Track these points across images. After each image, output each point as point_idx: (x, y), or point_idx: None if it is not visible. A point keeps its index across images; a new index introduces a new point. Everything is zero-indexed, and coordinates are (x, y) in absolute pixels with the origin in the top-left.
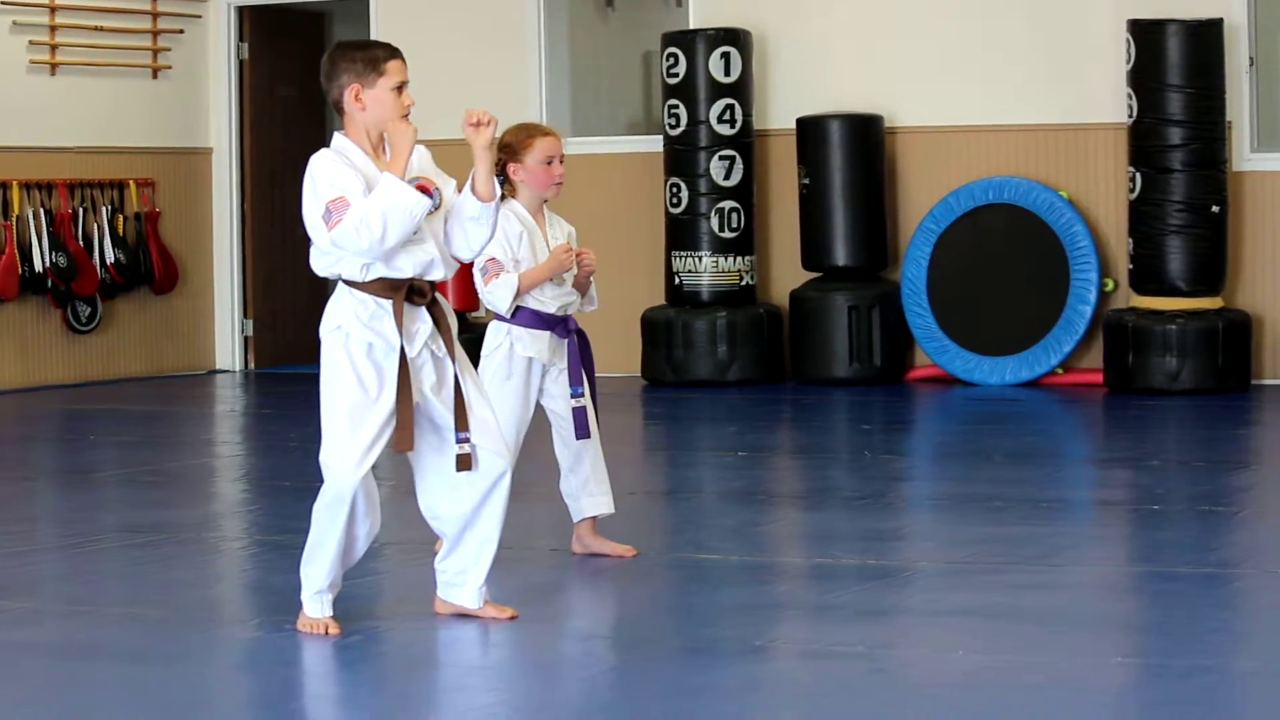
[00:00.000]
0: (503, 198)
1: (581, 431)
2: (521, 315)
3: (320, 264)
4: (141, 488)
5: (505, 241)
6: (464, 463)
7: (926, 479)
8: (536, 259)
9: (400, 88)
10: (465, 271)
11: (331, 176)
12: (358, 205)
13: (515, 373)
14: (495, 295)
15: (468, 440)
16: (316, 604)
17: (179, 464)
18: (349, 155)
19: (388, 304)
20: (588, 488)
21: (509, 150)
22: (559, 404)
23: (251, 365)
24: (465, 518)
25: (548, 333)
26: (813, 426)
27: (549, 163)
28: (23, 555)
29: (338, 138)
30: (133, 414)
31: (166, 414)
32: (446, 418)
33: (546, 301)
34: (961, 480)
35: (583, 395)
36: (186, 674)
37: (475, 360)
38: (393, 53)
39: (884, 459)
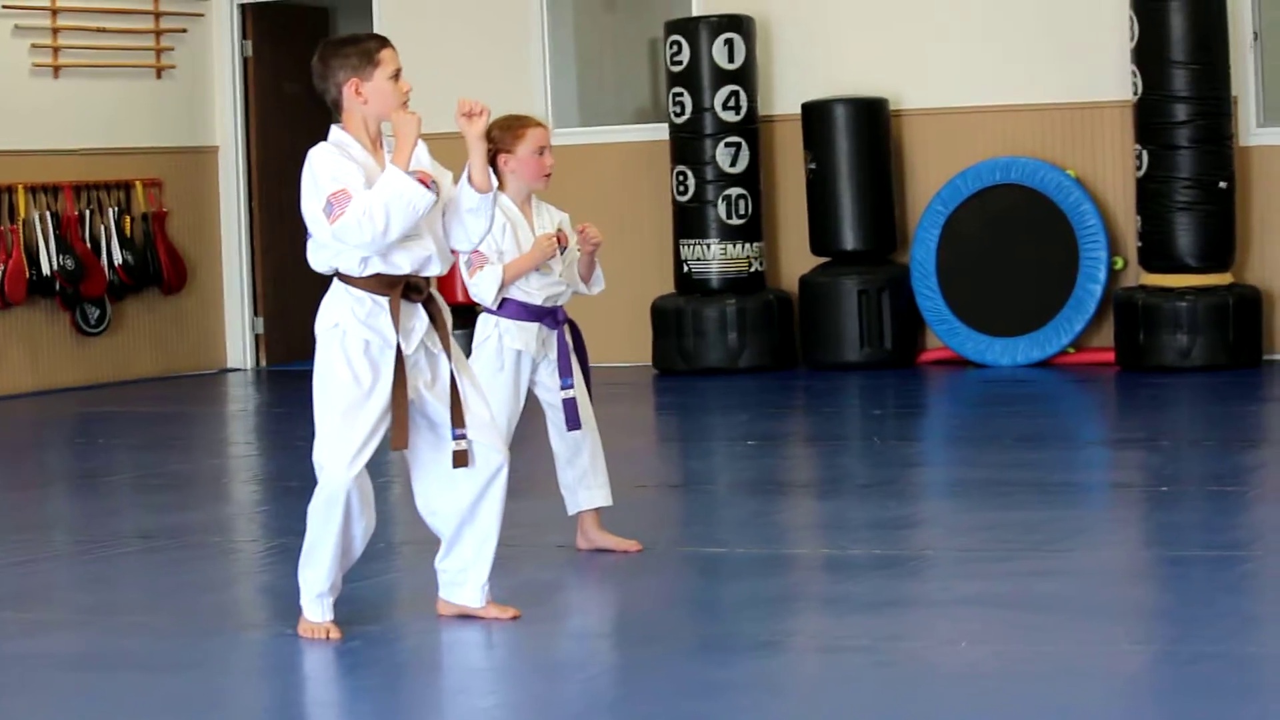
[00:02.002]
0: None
1: (572, 423)
2: (509, 307)
3: (318, 258)
4: (154, 491)
5: (490, 234)
6: (460, 459)
7: (937, 464)
8: (521, 250)
9: (396, 75)
10: None
11: (332, 169)
12: (360, 198)
13: (505, 365)
14: (480, 287)
15: (464, 436)
16: (317, 608)
17: (191, 466)
18: (348, 149)
19: (384, 301)
20: (585, 480)
21: (498, 142)
22: (551, 395)
23: (263, 363)
24: (463, 514)
25: (536, 324)
26: (824, 413)
27: (539, 153)
28: (35, 563)
29: (335, 131)
30: (144, 416)
31: (178, 415)
32: (442, 414)
33: (533, 293)
34: (972, 464)
35: (572, 387)
36: (197, 682)
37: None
38: (383, 42)
39: (894, 444)
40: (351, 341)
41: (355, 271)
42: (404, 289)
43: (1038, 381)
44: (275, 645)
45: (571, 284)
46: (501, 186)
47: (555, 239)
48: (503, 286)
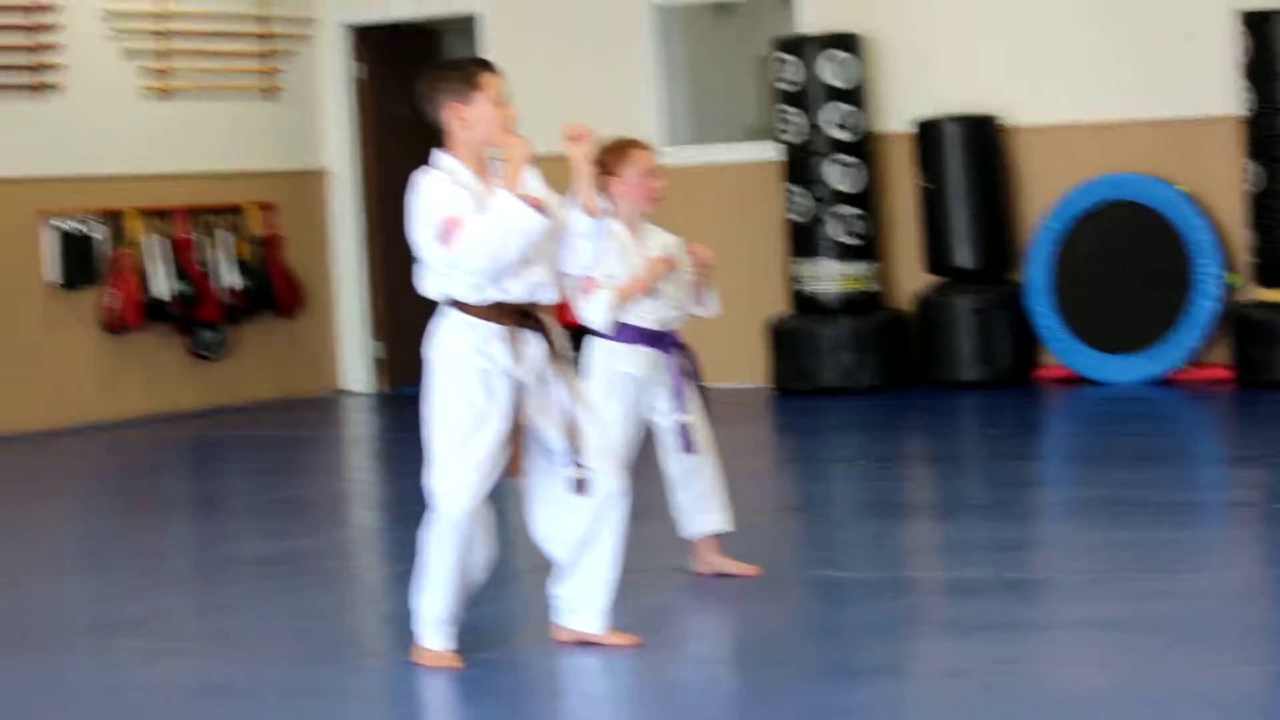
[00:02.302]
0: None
1: (685, 448)
2: (623, 331)
3: (430, 285)
4: (271, 516)
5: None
6: (578, 486)
7: (1054, 484)
8: (630, 273)
9: (499, 100)
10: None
11: (443, 196)
12: (472, 224)
13: (619, 390)
14: (592, 311)
15: (581, 464)
16: (435, 636)
17: (309, 491)
18: (455, 174)
19: (498, 328)
20: (701, 504)
21: (606, 166)
22: (666, 419)
23: (382, 387)
24: (581, 540)
25: (650, 349)
26: (940, 432)
27: (647, 176)
28: (153, 590)
29: (443, 157)
30: (261, 440)
31: (295, 439)
32: (557, 441)
33: (645, 316)
34: (1088, 484)
35: (686, 411)
36: (314, 711)
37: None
38: (485, 66)
39: (1011, 463)
40: (465, 369)
41: (469, 298)
42: (518, 316)
43: (1153, 399)
44: (394, 674)
45: (683, 307)
46: (611, 210)
47: (665, 261)
48: (615, 309)
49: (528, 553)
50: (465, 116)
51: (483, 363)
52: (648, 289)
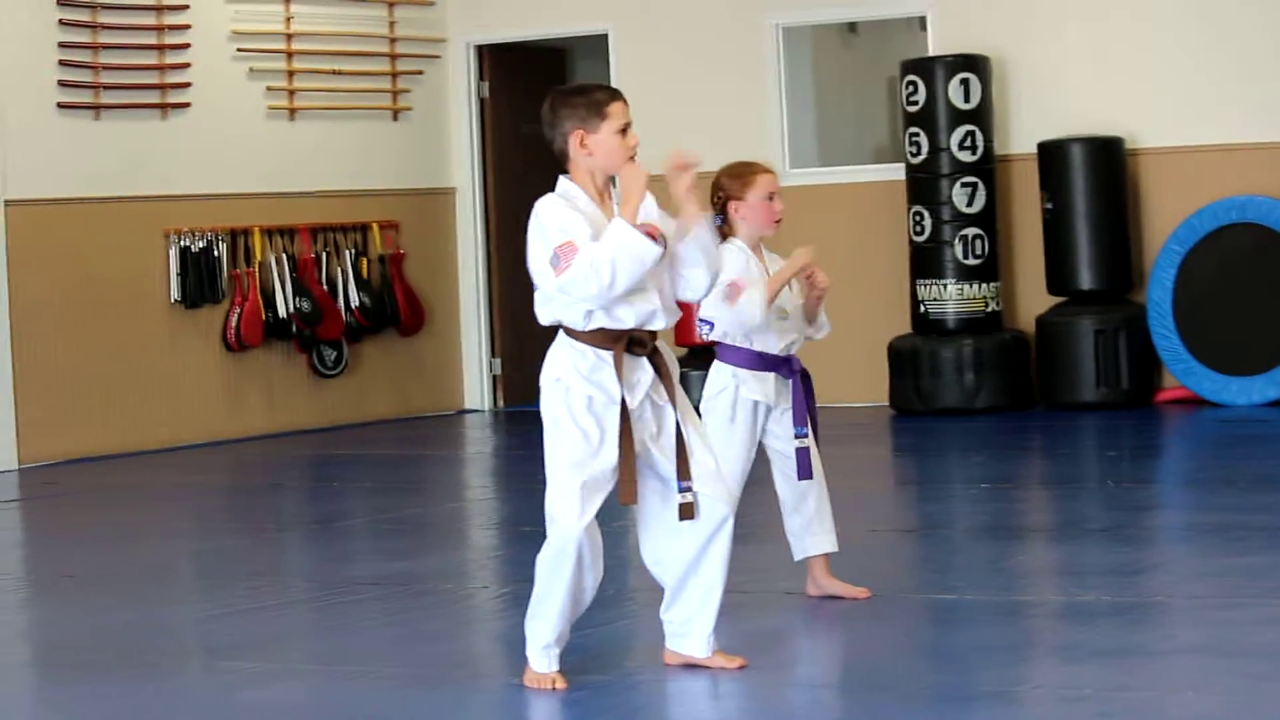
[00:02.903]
0: (724, 237)
1: (804, 472)
2: (745, 357)
3: (544, 311)
4: (388, 536)
5: (738, 266)
6: (686, 512)
7: (1171, 507)
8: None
9: (624, 130)
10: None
11: (560, 221)
12: (586, 250)
13: (740, 416)
14: (746, 310)
15: (690, 489)
16: (544, 659)
17: (427, 510)
18: (574, 200)
19: (608, 355)
20: (810, 527)
21: (727, 189)
22: (782, 444)
23: (501, 404)
24: (687, 565)
25: (772, 374)
26: (1059, 455)
27: (769, 199)
28: (268, 610)
29: (562, 182)
30: (381, 458)
31: (415, 458)
32: (668, 466)
33: (771, 342)
34: (1206, 508)
35: (807, 436)
36: None
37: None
38: (614, 95)
39: (1129, 487)
40: (574, 397)
41: (579, 325)
42: (628, 343)
43: (1275, 421)
44: (503, 696)
45: (800, 331)
46: (733, 233)
47: (808, 254)
48: (769, 304)
49: (640, 574)
50: (589, 144)
51: (591, 390)
52: (796, 275)
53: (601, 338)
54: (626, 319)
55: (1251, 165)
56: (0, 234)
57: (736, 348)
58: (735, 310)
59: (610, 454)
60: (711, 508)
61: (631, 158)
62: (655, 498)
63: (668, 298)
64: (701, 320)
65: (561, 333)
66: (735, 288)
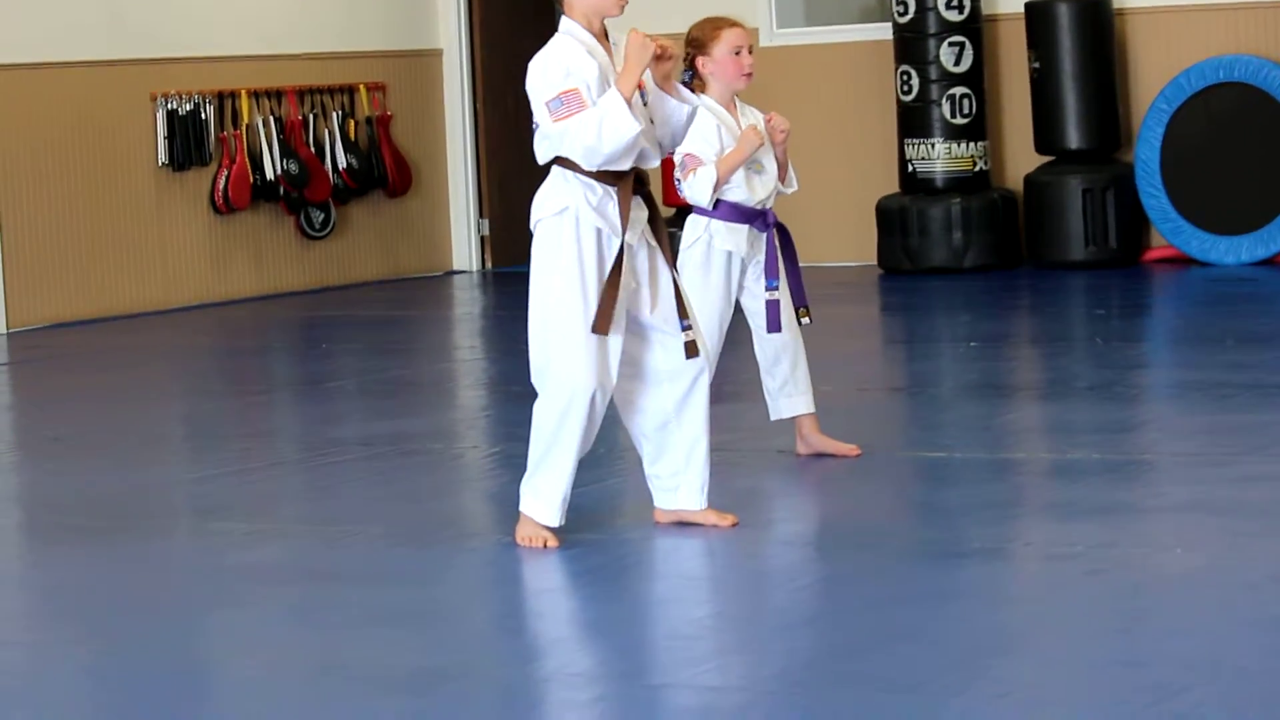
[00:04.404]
0: (692, 90)
1: (772, 326)
2: (722, 209)
3: (543, 147)
4: (377, 397)
5: (702, 137)
6: (692, 349)
7: (1159, 365)
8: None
9: None
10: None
11: (569, 63)
12: (582, 114)
13: (714, 267)
14: (695, 189)
15: (691, 327)
16: (556, 512)
17: (415, 371)
18: (583, 42)
19: (614, 190)
20: (785, 388)
21: (696, 44)
22: (757, 301)
23: (489, 265)
24: (666, 415)
25: (746, 226)
26: (1047, 313)
27: (737, 54)
28: (257, 471)
29: (565, 22)
30: (368, 320)
31: (402, 319)
32: (656, 310)
33: (745, 193)
34: (1194, 366)
35: (777, 289)
36: (415, 593)
37: None
38: None
39: (1117, 345)
40: (584, 228)
41: (585, 163)
42: (630, 180)
43: (1262, 280)
44: (494, 554)
45: (775, 184)
46: (704, 89)
47: (755, 131)
48: (717, 186)
49: (624, 432)
50: None
51: (599, 222)
52: (747, 160)
53: (607, 175)
54: (626, 159)
55: (1239, 24)
56: None
57: (716, 200)
58: (687, 184)
59: (605, 290)
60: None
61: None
62: (637, 342)
63: (654, 138)
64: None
65: (559, 168)
66: (693, 159)
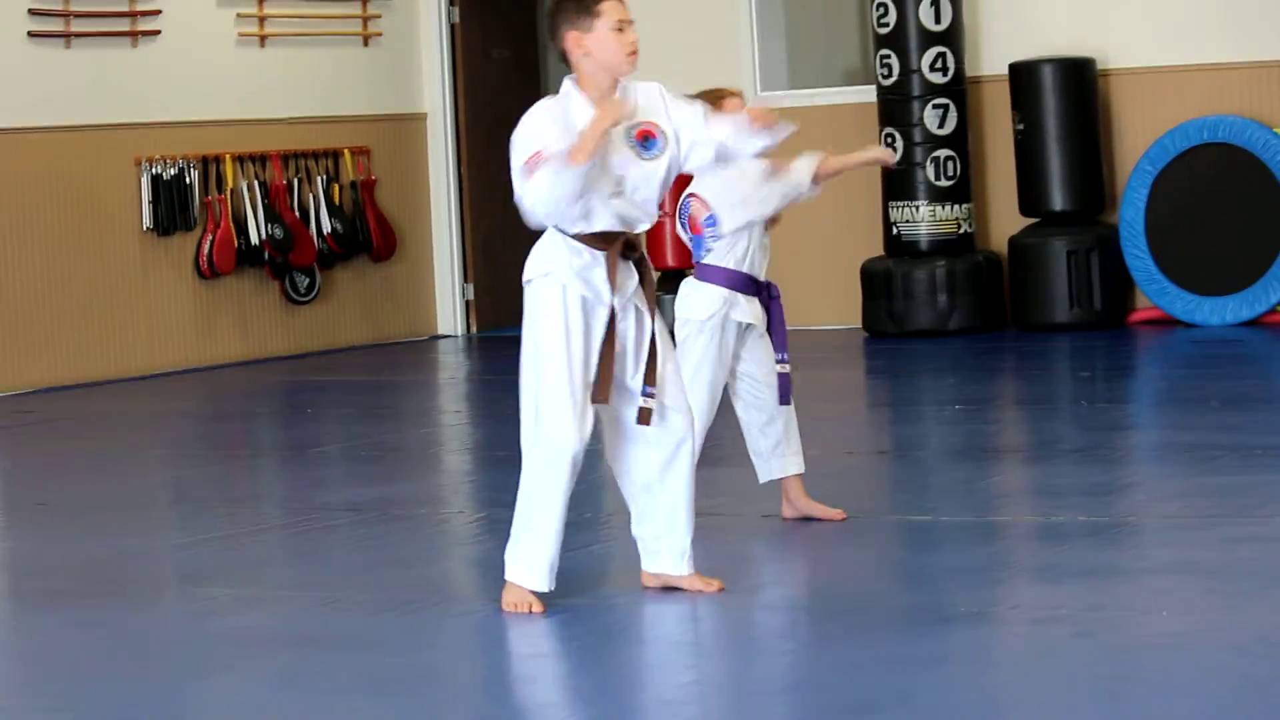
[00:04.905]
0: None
1: (784, 398)
2: (735, 279)
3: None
4: (363, 462)
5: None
6: (644, 416)
7: (1145, 427)
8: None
9: (621, 27)
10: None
11: (539, 128)
12: (540, 171)
13: (727, 338)
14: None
15: (653, 395)
16: (544, 577)
17: (400, 435)
18: (569, 106)
19: (601, 255)
20: (779, 449)
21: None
22: (750, 366)
23: (473, 330)
24: (650, 477)
25: (746, 295)
26: (1032, 375)
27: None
28: (243, 536)
29: (566, 83)
30: (354, 385)
31: (388, 383)
32: (638, 375)
33: (745, 262)
34: (1179, 428)
35: (787, 361)
36: (402, 658)
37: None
38: None
39: (1103, 407)
40: (570, 295)
41: (572, 229)
42: (619, 244)
43: (1247, 341)
44: (480, 621)
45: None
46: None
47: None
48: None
49: (616, 497)
50: (585, 44)
51: (584, 289)
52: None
53: (596, 238)
54: (615, 223)
55: (1223, 85)
56: None
57: (726, 269)
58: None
59: (593, 357)
60: (674, 421)
61: (632, 53)
62: (624, 405)
63: (653, 199)
64: (697, 237)
65: (551, 231)
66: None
